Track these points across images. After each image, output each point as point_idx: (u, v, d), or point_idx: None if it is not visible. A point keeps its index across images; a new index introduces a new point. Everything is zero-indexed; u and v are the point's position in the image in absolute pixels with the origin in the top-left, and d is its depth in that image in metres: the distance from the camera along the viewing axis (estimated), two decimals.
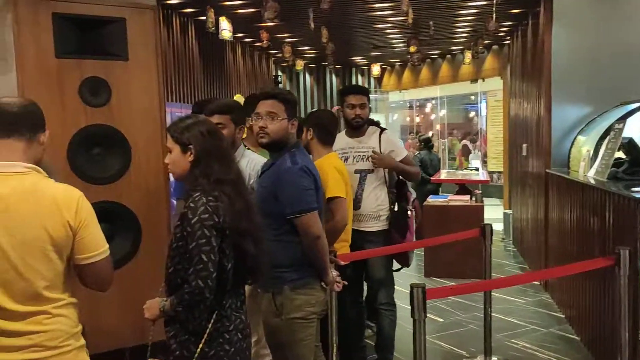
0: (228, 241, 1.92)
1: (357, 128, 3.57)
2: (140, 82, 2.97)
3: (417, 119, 15.01)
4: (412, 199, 3.62)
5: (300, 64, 10.74)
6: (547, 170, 5.23)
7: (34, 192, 1.62)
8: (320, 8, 4.51)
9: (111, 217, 2.88)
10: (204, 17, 5.97)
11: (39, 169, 1.68)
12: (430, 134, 12.60)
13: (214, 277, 1.87)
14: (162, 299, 1.98)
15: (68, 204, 1.65)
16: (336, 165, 3.01)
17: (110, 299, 2.63)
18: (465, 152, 13.69)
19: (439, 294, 2.59)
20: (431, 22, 6.85)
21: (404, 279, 4.39)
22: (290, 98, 2.45)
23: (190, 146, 1.97)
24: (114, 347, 2.89)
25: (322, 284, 2.44)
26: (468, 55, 9.67)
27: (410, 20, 5.47)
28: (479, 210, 5.97)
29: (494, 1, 5.75)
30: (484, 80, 11.03)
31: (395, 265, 3.65)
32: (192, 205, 1.89)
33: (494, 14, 5.93)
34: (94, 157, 2.87)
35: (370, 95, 3.73)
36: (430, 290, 2.39)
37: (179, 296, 1.90)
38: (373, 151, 3.45)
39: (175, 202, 3.23)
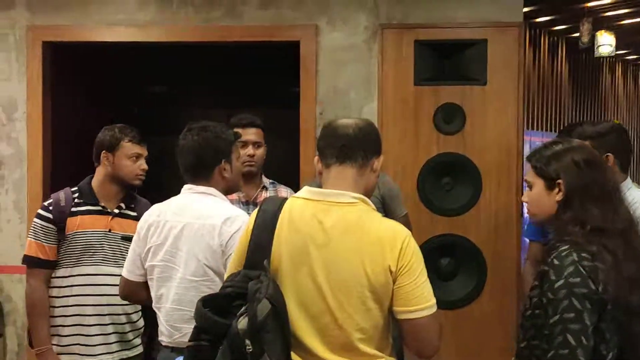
0: (609, 319, 1.40)
1: None
2: (496, 108, 2.79)
3: None
4: None
5: None
6: None
7: (359, 227, 1.42)
8: None
9: (456, 252, 2.80)
10: (576, 34, 5.35)
11: (367, 200, 1.50)
12: None
13: None
14: None
15: (392, 244, 1.41)
16: None
17: (445, 337, 2.45)
18: None
19: None
20: None
21: None
22: None
23: (559, 181, 1.50)
24: None
25: None
26: None
27: None
28: None
29: None
30: None
31: None
32: (556, 262, 1.42)
33: None
34: (442, 187, 2.81)
35: None
36: None
37: None
38: None
39: (527, 241, 2.85)
